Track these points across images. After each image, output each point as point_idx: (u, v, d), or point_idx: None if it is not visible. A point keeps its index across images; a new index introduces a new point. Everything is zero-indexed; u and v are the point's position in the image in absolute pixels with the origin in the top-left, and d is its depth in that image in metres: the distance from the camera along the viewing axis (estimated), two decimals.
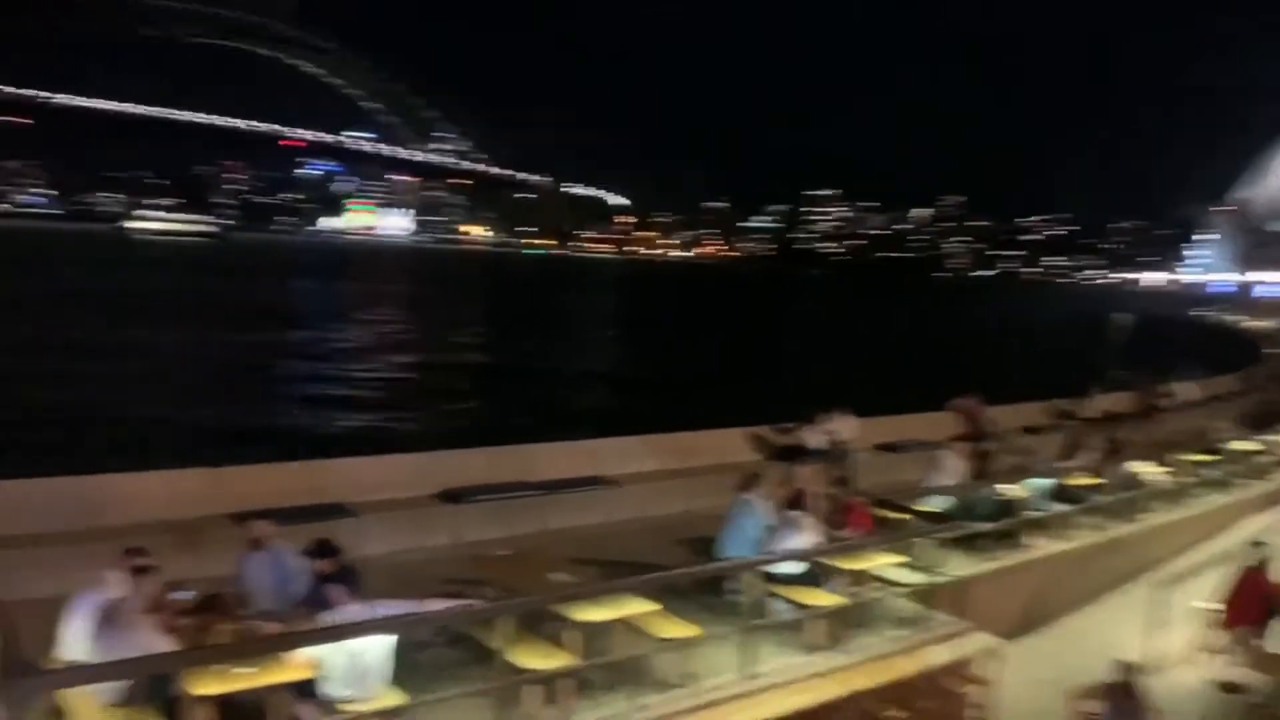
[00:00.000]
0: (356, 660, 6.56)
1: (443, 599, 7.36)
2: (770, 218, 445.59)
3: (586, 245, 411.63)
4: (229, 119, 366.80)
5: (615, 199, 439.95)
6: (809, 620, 9.35)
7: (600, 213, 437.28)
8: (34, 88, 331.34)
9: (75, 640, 6.56)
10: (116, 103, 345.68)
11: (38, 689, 5.78)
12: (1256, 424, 23.35)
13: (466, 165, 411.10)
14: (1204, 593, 12.29)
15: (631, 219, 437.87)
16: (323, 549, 7.36)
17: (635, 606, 8.17)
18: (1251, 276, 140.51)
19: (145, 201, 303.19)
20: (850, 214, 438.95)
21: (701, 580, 9.86)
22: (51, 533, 9.66)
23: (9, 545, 9.11)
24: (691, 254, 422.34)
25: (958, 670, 9.84)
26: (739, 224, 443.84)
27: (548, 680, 7.40)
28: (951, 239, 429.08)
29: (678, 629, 8.24)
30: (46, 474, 10.97)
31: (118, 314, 59.79)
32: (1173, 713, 9.79)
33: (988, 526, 12.82)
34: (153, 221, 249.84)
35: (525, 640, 7.59)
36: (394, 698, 6.72)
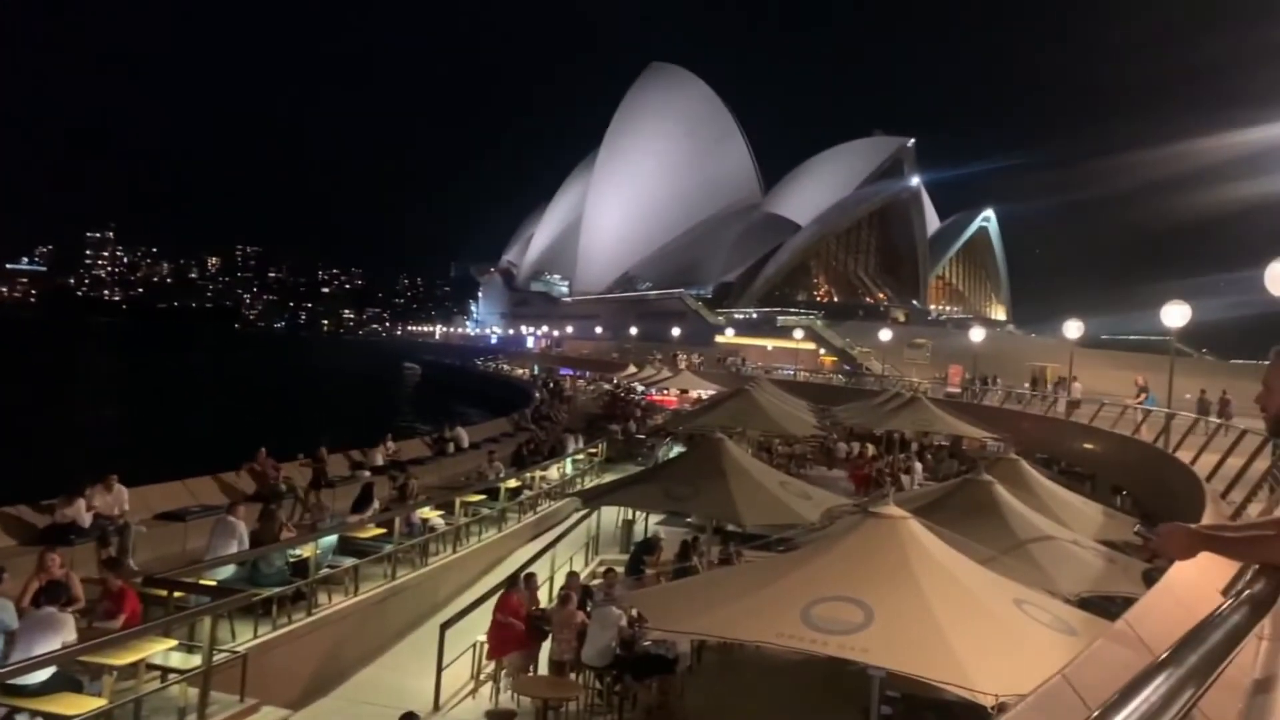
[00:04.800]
0: None
1: None
2: (36, 261, 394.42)
3: None
4: None
5: None
6: None
7: None
8: None
9: None
10: None
11: None
12: (522, 462, 26.27)
13: None
14: (481, 627, 13.22)
15: None
16: None
17: None
18: (522, 330, 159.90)
19: None
20: (128, 259, 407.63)
21: None
22: None
23: None
24: None
25: None
26: (8, 266, 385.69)
27: None
28: (251, 289, 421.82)
29: None
30: None
31: None
32: None
33: (273, 591, 12.37)
34: None
35: None
36: None
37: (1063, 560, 10.89)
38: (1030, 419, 34.56)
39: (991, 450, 28.10)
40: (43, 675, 8.32)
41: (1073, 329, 36.44)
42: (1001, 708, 5.99)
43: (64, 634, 8.73)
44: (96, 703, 8.38)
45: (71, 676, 8.65)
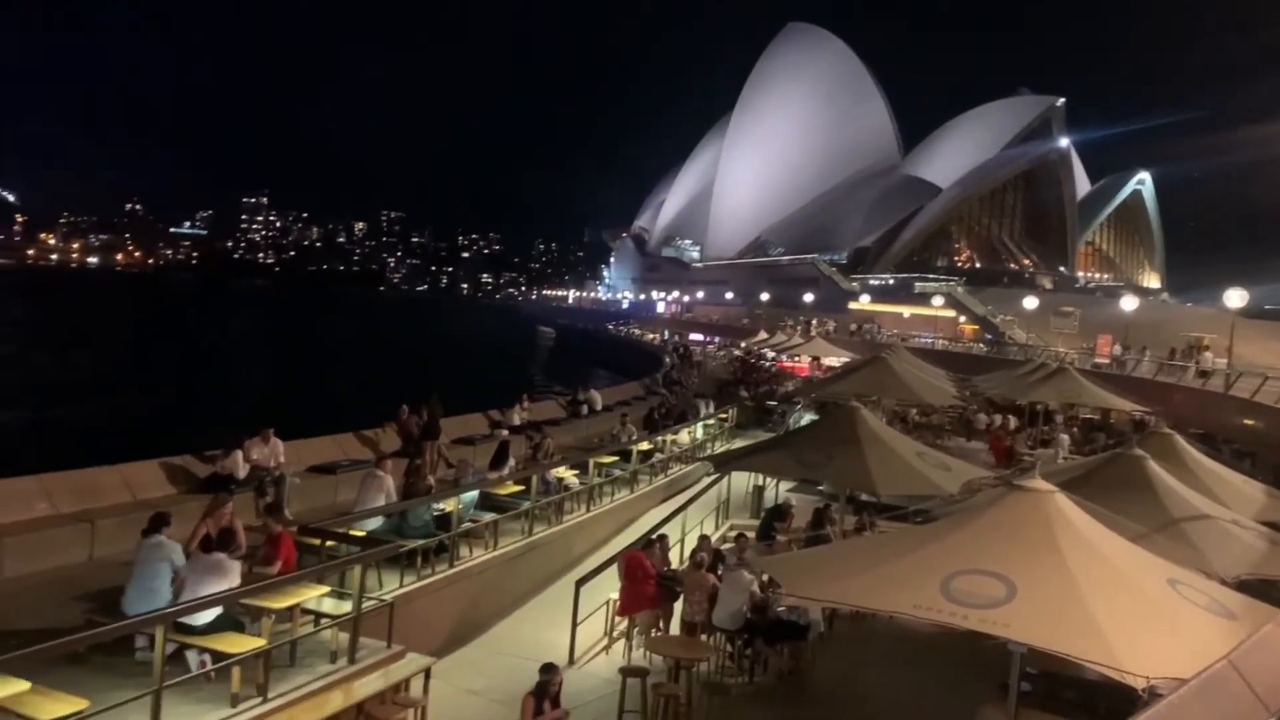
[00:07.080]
0: None
1: None
2: (197, 224, 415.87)
3: None
4: None
5: (9, 196, 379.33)
6: (231, 669, 8.59)
7: None
8: None
9: None
10: None
11: None
12: (654, 425, 26.53)
13: None
14: (613, 584, 13.47)
15: (24, 219, 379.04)
16: None
17: (3, 688, 6.86)
18: (653, 295, 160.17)
19: None
20: (280, 224, 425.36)
21: (105, 642, 8.61)
22: None
23: None
24: (99, 260, 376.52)
25: (390, 696, 9.70)
26: (172, 230, 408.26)
27: None
28: (394, 254, 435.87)
29: (61, 705, 7.06)
30: None
31: None
32: (585, 704, 10.55)
33: (419, 543, 12.88)
34: None
35: None
36: None
37: (1220, 540, 10.35)
38: (1184, 392, 32.88)
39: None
40: (209, 616, 8.90)
41: (1235, 298, 34.37)
42: (1152, 690, 5.76)
43: (230, 578, 9.30)
44: (257, 642, 8.89)
45: (235, 618, 9.22)
